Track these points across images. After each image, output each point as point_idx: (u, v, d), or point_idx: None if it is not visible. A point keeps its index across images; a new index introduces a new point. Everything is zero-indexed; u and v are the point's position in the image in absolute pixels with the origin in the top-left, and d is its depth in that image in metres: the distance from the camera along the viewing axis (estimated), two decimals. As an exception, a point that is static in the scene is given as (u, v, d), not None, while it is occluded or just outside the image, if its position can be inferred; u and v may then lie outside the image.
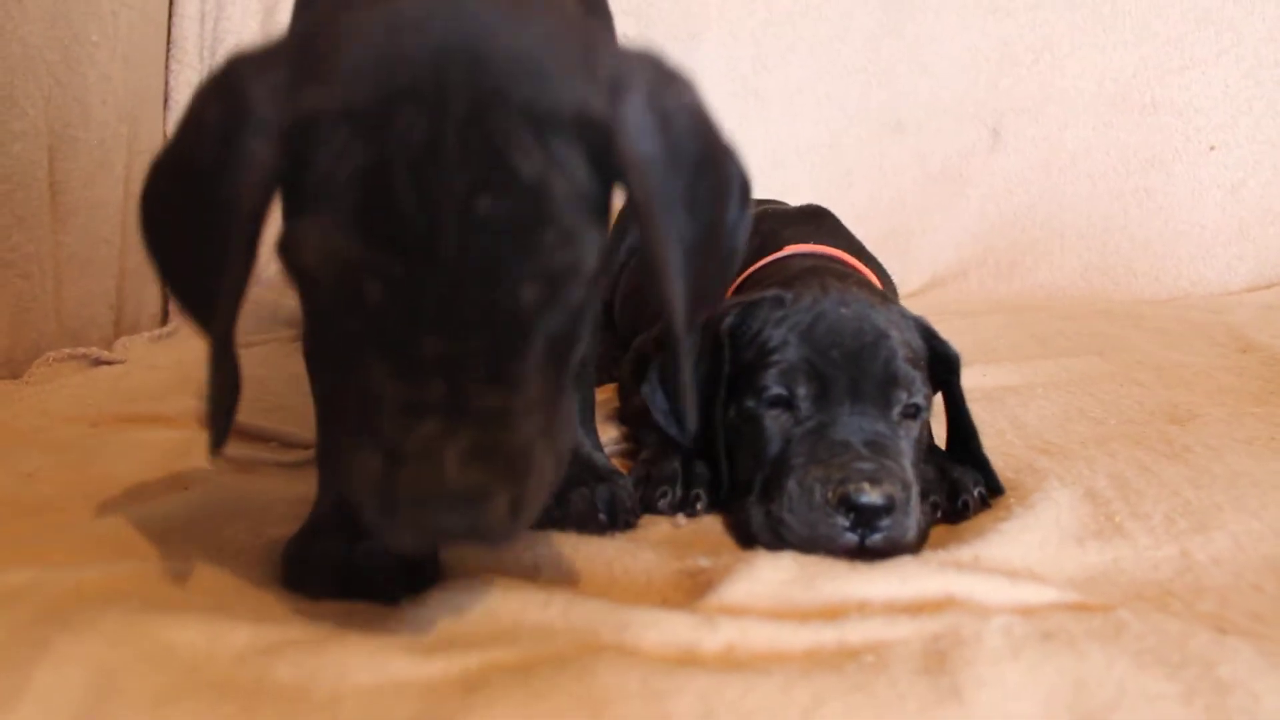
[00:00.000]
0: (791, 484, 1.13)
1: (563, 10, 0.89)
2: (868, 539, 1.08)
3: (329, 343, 0.82)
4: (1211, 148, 3.01)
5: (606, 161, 0.81)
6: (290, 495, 1.25)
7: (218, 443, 0.89)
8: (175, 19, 2.71)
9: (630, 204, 0.82)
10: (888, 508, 1.08)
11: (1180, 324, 2.45)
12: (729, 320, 1.30)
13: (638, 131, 0.81)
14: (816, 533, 1.09)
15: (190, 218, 0.82)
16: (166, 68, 2.69)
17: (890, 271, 2.89)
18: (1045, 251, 3.02)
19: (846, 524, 1.08)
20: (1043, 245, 3.02)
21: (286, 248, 0.78)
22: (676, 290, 0.85)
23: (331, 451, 0.88)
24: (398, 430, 0.75)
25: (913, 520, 1.11)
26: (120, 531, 1.11)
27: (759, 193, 2.57)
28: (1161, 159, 3.02)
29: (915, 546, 1.11)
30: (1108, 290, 2.95)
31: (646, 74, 0.85)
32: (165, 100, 2.67)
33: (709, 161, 0.88)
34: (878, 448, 1.16)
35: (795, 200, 2.79)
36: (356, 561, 0.97)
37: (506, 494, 0.75)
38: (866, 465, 1.12)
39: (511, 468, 0.76)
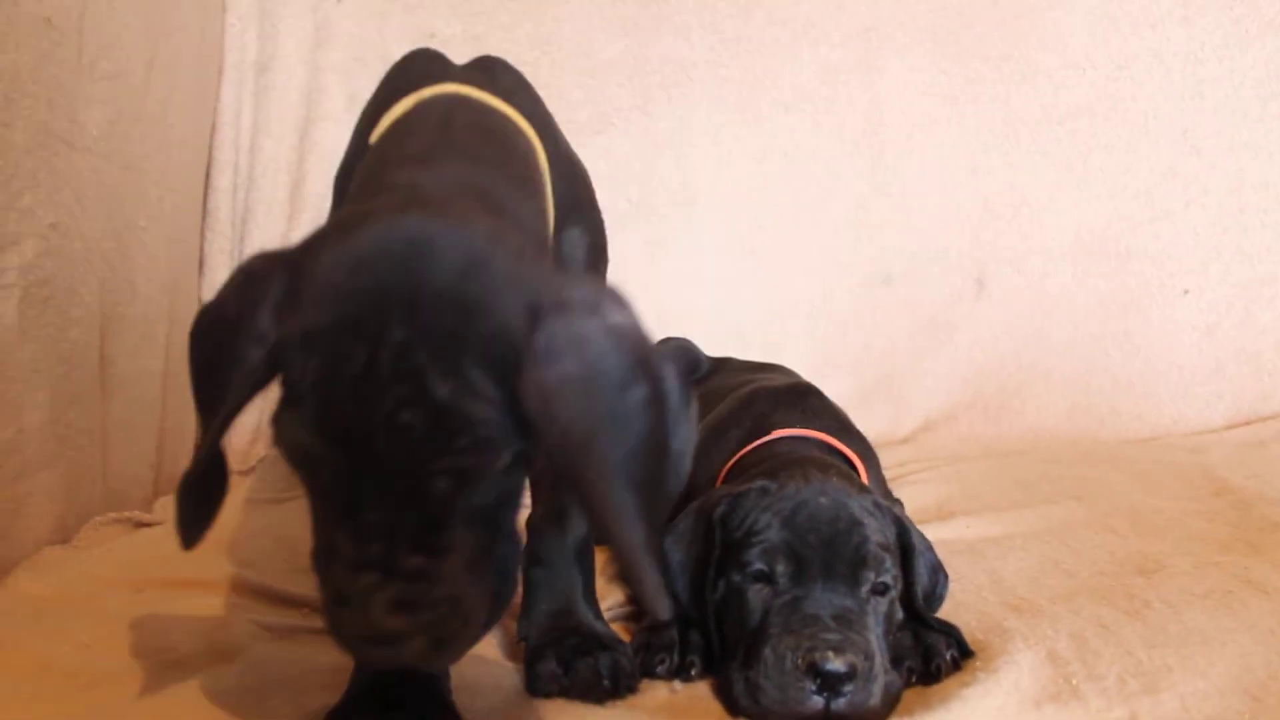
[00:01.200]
0: (767, 651, 1.27)
1: (509, 236, 1.03)
2: (833, 704, 1.22)
3: (310, 500, 1.03)
4: (1185, 292, 3.16)
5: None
6: (324, 664, 1.38)
7: (188, 543, 1.12)
8: (210, 191, 2.91)
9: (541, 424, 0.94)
10: (850, 675, 1.22)
11: (1158, 466, 2.56)
12: (720, 509, 1.45)
13: (548, 354, 0.94)
14: (787, 696, 1.23)
15: (209, 363, 1.05)
16: (202, 236, 2.89)
17: (884, 416, 3.07)
18: (1032, 394, 3.14)
19: (814, 689, 1.22)
20: (1029, 388, 3.15)
21: (275, 425, 0.98)
22: (614, 507, 0.96)
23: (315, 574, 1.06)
24: (344, 581, 0.96)
25: (876, 688, 1.24)
26: (175, 706, 1.24)
27: (758, 349, 2.74)
28: (1139, 304, 3.16)
29: (881, 712, 1.24)
30: (1093, 430, 3.07)
31: (572, 299, 0.98)
32: (200, 266, 2.86)
33: (636, 375, 0.98)
34: (845, 621, 1.29)
35: (793, 352, 2.98)
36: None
37: (422, 636, 0.95)
38: (833, 636, 1.26)
39: (431, 614, 0.95)
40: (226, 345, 1.00)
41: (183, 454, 2.58)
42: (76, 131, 1.97)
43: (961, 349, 3.20)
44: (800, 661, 1.24)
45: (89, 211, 2.02)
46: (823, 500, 1.40)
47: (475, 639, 1.03)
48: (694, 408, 1.06)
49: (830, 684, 1.22)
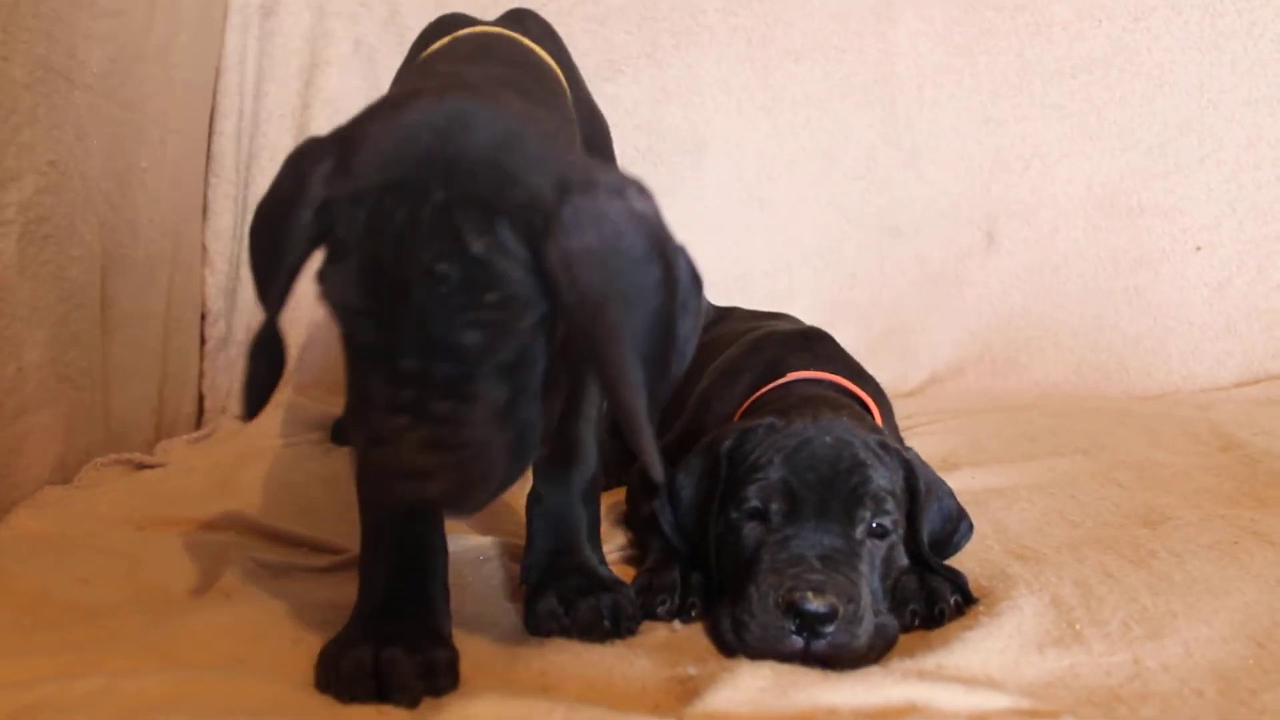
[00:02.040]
0: (752, 589, 1.27)
1: (543, 121, 1.17)
2: (812, 644, 1.21)
3: (349, 354, 1.11)
4: (1197, 248, 3.13)
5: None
6: (321, 600, 1.38)
7: (251, 413, 1.23)
8: (214, 136, 2.88)
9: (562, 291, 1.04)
10: (829, 615, 1.21)
11: (1166, 422, 2.55)
12: (728, 444, 1.44)
13: (574, 225, 1.03)
14: (768, 635, 1.23)
15: (266, 240, 1.17)
16: (205, 181, 2.87)
17: (891, 369, 3.05)
18: (1040, 349, 3.13)
19: (793, 628, 1.21)
20: (1037, 343, 3.13)
21: (320, 280, 1.07)
22: (622, 371, 1.05)
23: (349, 429, 1.16)
24: (378, 422, 1.04)
25: (861, 630, 1.23)
26: (173, 640, 1.24)
27: (765, 299, 2.73)
28: (1149, 259, 3.14)
29: (867, 655, 1.23)
30: (1101, 386, 3.05)
31: (598, 180, 1.08)
32: (204, 211, 2.84)
33: (652, 257, 1.08)
34: (831, 561, 1.29)
35: (801, 303, 2.96)
36: (383, 669, 1.13)
37: (449, 477, 1.03)
38: (815, 576, 1.25)
39: (457, 455, 1.03)
40: (281, 213, 1.09)
41: (184, 399, 2.58)
42: (76, 68, 1.95)
43: (970, 302, 3.18)
44: (780, 600, 1.23)
45: (89, 150, 2.00)
46: (827, 439, 1.39)
47: (497, 488, 1.09)
48: (703, 300, 1.16)
49: (809, 624, 1.21)
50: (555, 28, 2.64)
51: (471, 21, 1.67)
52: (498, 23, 1.66)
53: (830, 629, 1.21)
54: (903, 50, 3.19)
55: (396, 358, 1.03)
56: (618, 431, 2.33)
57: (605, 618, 1.32)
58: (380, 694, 1.11)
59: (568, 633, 1.31)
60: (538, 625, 1.33)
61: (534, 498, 1.47)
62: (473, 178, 1.03)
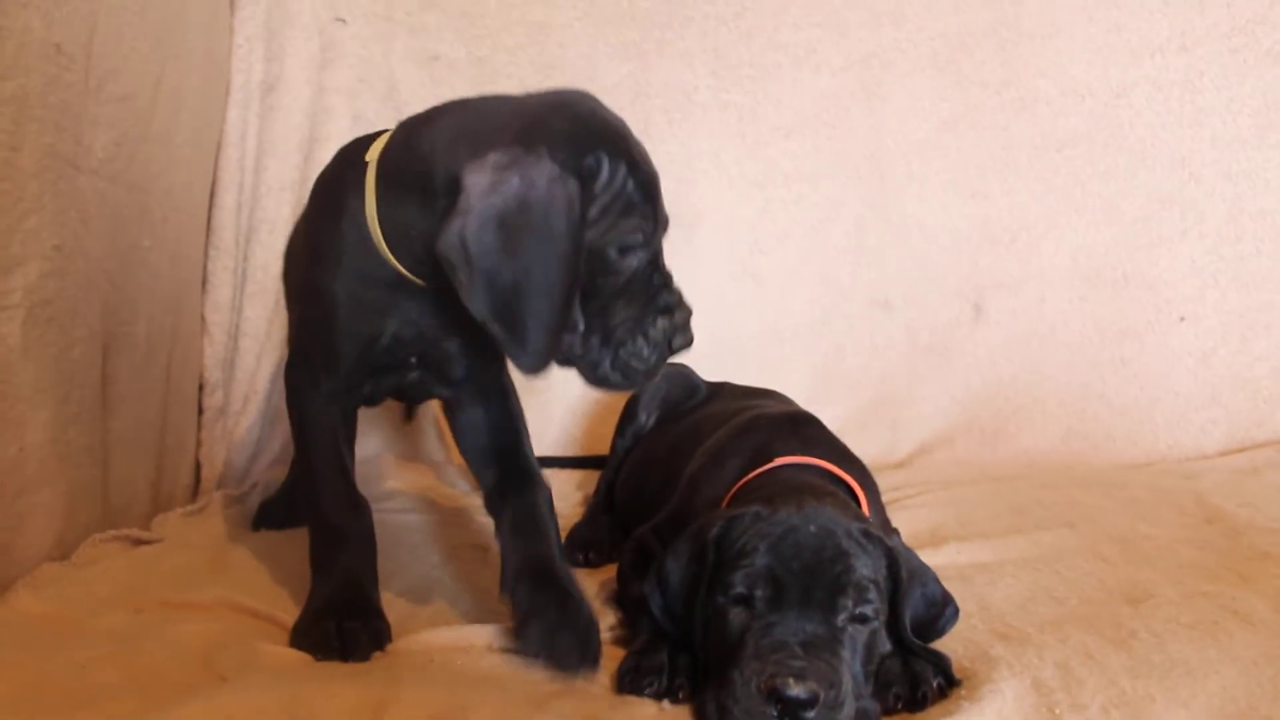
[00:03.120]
0: (735, 674, 1.30)
1: None
2: None
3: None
4: (1182, 319, 3.18)
5: None
6: (315, 692, 1.40)
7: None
8: (214, 210, 2.92)
9: None
10: (810, 702, 1.24)
11: (1151, 493, 2.58)
12: (715, 530, 1.48)
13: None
14: (751, 719, 1.25)
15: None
16: (205, 254, 2.91)
17: (880, 440, 3.09)
18: (1028, 419, 3.17)
19: (774, 714, 1.24)
20: (1025, 413, 3.17)
21: None
22: None
23: None
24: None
25: (843, 715, 1.26)
26: (169, 727, 1.26)
27: (757, 370, 2.77)
28: (1135, 330, 3.18)
29: None
30: (1088, 455, 3.09)
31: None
32: (204, 284, 2.89)
33: None
34: (813, 648, 1.32)
35: (792, 375, 3.00)
36: (345, 635, 1.56)
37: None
38: (796, 663, 1.28)
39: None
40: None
41: (181, 470, 2.60)
42: (83, 154, 2.00)
43: (958, 373, 3.22)
44: (763, 686, 1.26)
45: (93, 232, 2.05)
46: (811, 528, 1.42)
47: None
48: None
49: (791, 709, 1.24)
50: None
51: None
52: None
53: (811, 715, 1.24)
54: (891, 127, 3.26)
55: None
56: (609, 506, 2.37)
57: (578, 653, 1.51)
58: (342, 653, 1.53)
59: (549, 659, 1.51)
60: (527, 648, 1.54)
61: (501, 524, 1.73)
62: None
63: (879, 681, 1.41)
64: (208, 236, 2.91)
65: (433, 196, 1.51)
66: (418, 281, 1.63)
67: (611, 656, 1.57)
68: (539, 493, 1.75)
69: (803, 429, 1.87)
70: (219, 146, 2.95)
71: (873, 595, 1.40)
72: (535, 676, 1.49)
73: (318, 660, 1.54)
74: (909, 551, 1.56)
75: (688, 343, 1.58)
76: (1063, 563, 2.02)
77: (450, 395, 1.85)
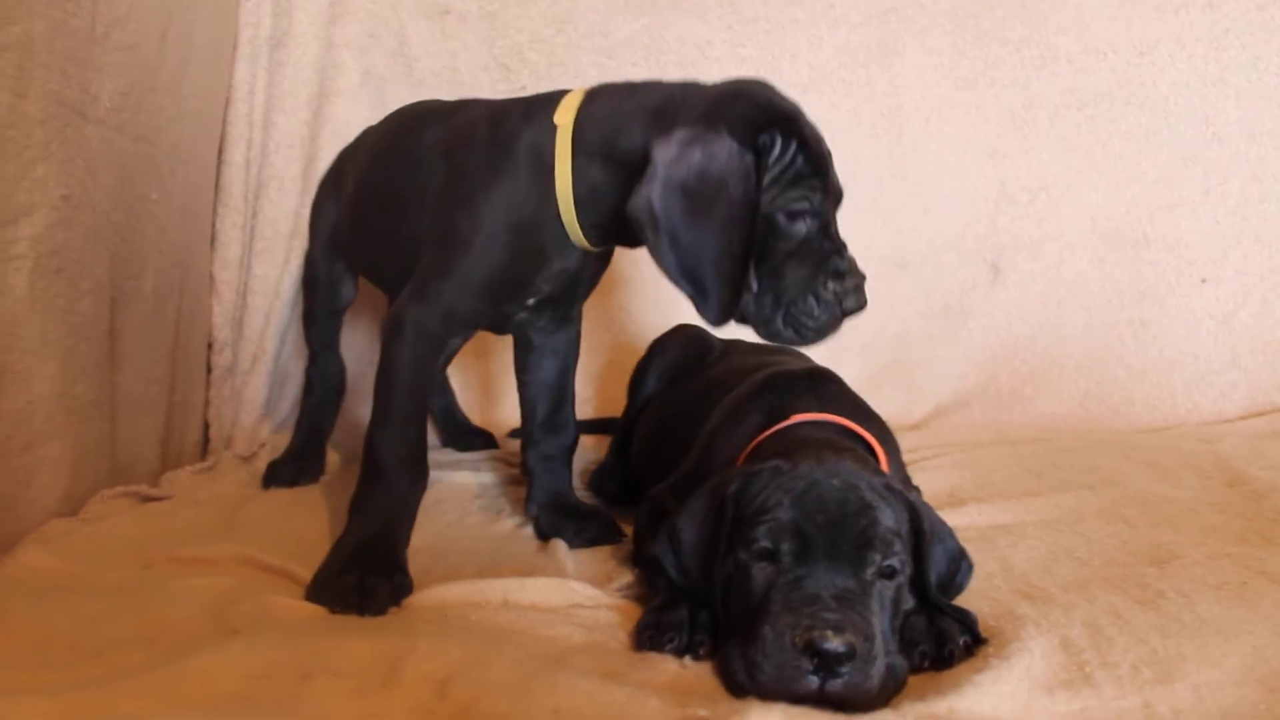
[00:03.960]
0: (766, 629, 1.26)
1: None
2: (828, 684, 1.20)
3: None
4: (1203, 281, 3.13)
5: None
6: (328, 645, 1.37)
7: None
8: (223, 166, 2.89)
9: None
10: (848, 655, 1.20)
11: (1171, 456, 2.55)
12: (734, 487, 1.44)
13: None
14: (783, 674, 1.22)
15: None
16: (214, 211, 2.88)
17: (896, 402, 3.06)
18: (1045, 381, 3.13)
19: (810, 668, 1.20)
20: (1042, 375, 3.14)
21: None
22: None
23: None
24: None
25: (875, 670, 1.22)
26: (179, 679, 1.23)
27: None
28: (1155, 292, 3.14)
29: (879, 696, 1.23)
30: (1106, 419, 3.05)
31: None
32: (212, 241, 2.85)
33: None
34: (846, 601, 1.28)
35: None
36: (366, 590, 1.57)
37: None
38: (832, 615, 1.24)
39: None
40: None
41: (190, 429, 2.58)
42: (89, 102, 1.96)
43: (975, 335, 3.19)
44: (798, 640, 1.22)
45: (100, 183, 2.01)
46: (834, 482, 1.38)
47: None
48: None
49: (827, 663, 1.20)
50: (565, 59, 2.75)
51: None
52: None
53: (847, 669, 1.20)
54: (909, 83, 3.21)
55: None
56: (625, 468, 2.35)
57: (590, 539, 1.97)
58: (360, 606, 1.54)
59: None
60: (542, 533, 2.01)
61: (537, 456, 2.10)
62: None
63: (904, 640, 1.38)
64: (216, 193, 2.88)
65: (623, 165, 1.70)
66: (585, 245, 1.81)
67: (630, 614, 1.55)
68: (570, 436, 2.13)
69: (821, 386, 1.83)
70: (227, 102, 2.91)
71: (898, 549, 1.37)
72: (553, 632, 1.46)
73: (334, 614, 1.54)
74: (928, 507, 1.53)
75: (861, 305, 1.74)
76: (1084, 524, 1.99)
77: (537, 335, 2.09)
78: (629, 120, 1.72)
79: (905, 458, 2.22)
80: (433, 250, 1.84)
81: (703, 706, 1.19)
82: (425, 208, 1.90)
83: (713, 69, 3.19)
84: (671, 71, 3.16)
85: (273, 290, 2.94)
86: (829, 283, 1.68)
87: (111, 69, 2.04)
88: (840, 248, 1.72)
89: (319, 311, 2.56)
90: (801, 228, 1.67)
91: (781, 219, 1.65)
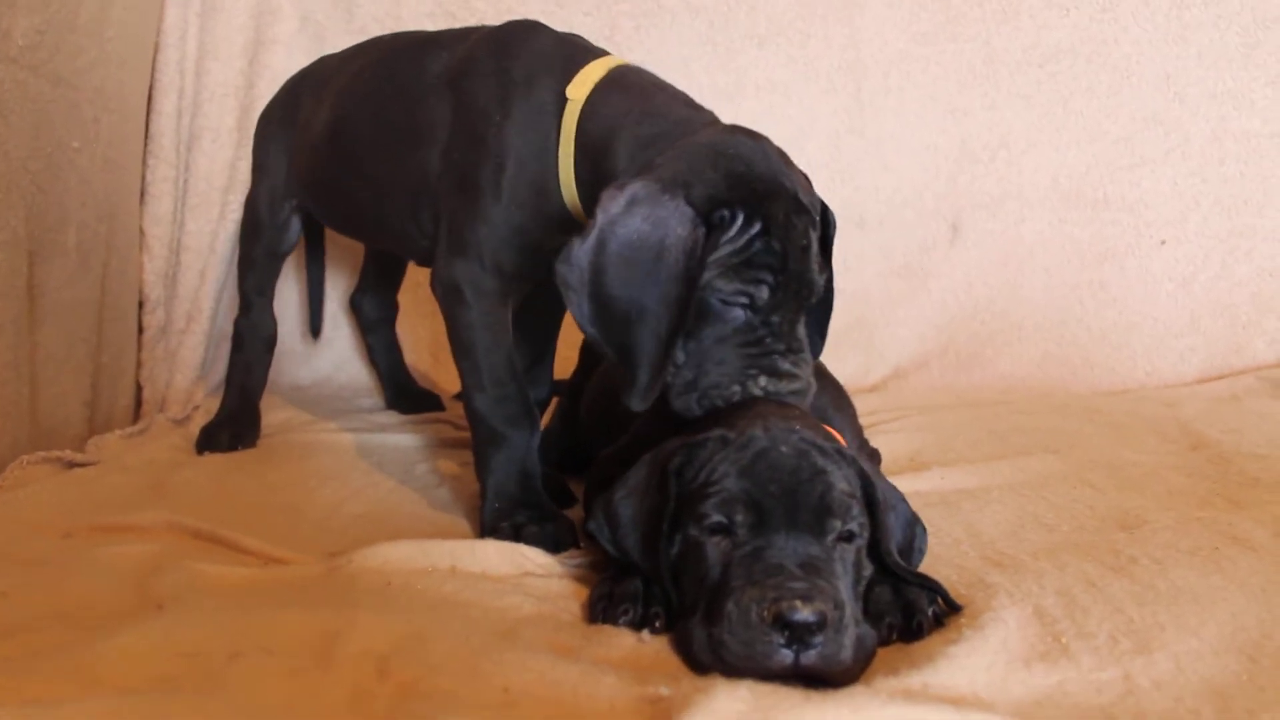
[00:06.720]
0: (730, 605, 1.18)
1: None
2: (802, 656, 1.13)
3: None
4: (1162, 242, 3.09)
5: None
6: (259, 617, 1.28)
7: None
8: (153, 115, 2.76)
9: None
10: (820, 624, 1.13)
11: (1133, 419, 2.52)
12: (676, 460, 1.36)
13: None
14: (753, 651, 1.15)
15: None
16: (144, 162, 2.74)
17: (853, 363, 3.00)
18: (1004, 343, 3.08)
19: (782, 641, 1.13)
20: (1002, 337, 3.09)
21: None
22: None
23: None
24: None
25: (847, 639, 1.15)
26: (98, 660, 1.14)
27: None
28: (1115, 253, 3.10)
29: (853, 667, 1.16)
30: (1065, 381, 3.02)
31: None
32: (142, 195, 2.71)
33: None
34: (811, 569, 1.21)
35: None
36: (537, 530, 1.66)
37: None
38: (799, 585, 1.17)
39: None
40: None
41: (120, 391, 2.46)
42: (0, 39, 1.82)
43: (934, 295, 3.12)
44: (766, 613, 1.15)
45: (14, 128, 1.88)
46: (783, 449, 1.31)
47: None
48: None
49: (799, 635, 1.13)
50: (515, 9, 2.62)
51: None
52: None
53: (820, 639, 1.13)
54: (869, 37, 3.12)
55: None
56: (574, 415, 2.27)
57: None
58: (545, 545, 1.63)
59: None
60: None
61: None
62: None
63: (870, 613, 1.31)
64: (146, 144, 2.75)
65: (604, 181, 1.60)
66: (582, 219, 1.69)
67: (585, 582, 1.47)
68: (544, 391, 2.20)
69: None
70: (156, 48, 2.76)
71: (856, 512, 1.30)
72: (502, 603, 1.38)
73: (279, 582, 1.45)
74: (877, 472, 1.47)
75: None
76: (1049, 489, 1.95)
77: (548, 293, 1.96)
78: (620, 140, 1.65)
79: (864, 421, 2.16)
80: (454, 196, 1.79)
81: (664, 684, 1.11)
82: (434, 143, 1.83)
83: (666, 20, 3.10)
84: (623, 24, 3.07)
85: (207, 246, 2.81)
86: (761, 378, 1.51)
87: (24, 3, 1.90)
88: (791, 346, 1.55)
89: (258, 256, 2.43)
90: (739, 315, 1.52)
91: (716, 303, 1.51)
